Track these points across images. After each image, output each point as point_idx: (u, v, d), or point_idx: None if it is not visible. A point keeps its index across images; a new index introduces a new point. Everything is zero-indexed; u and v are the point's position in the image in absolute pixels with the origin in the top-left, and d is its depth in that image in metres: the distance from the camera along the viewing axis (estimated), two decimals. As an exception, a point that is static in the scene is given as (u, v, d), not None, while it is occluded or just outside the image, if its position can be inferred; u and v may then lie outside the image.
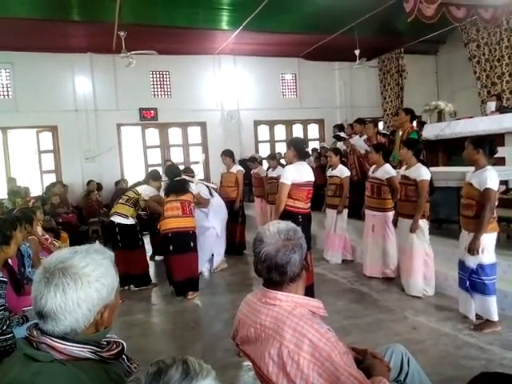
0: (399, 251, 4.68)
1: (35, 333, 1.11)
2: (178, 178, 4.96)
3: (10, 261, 3.16)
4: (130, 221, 5.08)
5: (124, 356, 1.24)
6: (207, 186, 5.87)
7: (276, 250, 1.47)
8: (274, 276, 1.49)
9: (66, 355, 1.08)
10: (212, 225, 5.72)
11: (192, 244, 4.73)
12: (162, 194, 4.86)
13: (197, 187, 5.38)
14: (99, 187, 8.96)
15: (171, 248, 4.63)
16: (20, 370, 1.06)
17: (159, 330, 3.98)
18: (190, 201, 4.79)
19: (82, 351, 1.10)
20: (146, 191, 5.21)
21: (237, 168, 6.62)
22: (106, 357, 1.14)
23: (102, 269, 1.13)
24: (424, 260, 4.31)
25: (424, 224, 4.28)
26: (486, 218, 3.29)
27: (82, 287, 1.08)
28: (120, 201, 5.20)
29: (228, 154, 6.67)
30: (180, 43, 8.96)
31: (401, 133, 6.10)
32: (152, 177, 5.49)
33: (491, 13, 5.82)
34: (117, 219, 5.05)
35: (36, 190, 8.62)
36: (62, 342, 1.09)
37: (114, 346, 1.19)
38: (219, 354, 3.34)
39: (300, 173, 4.01)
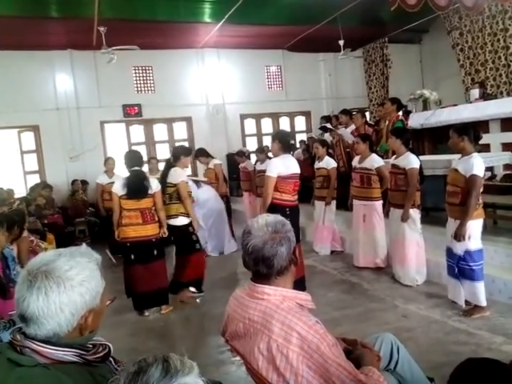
0: (390, 241, 4.71)
1: (19, 337, 1.09)
2: (137, 170, 4.25)
3: (-7, 264, 3.10)
4: None
5: (111, 358, 1.23)
6: (195, 181, 5.82)
7: (263, 243, 1.46)
8: (261, 268, 1.48)
9: (50, 359, 1.07)
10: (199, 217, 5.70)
11: (156, 252, 4.22)
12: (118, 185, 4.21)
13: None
14: (84, 183, 8.81)
15: (132, 257, 4.18)
16: (3, 375, 1.04)
17: (149, 328, 3.94)
18: (151, 207, 4.18)
19: (67, 355, 1.09)
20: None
21: (214, 162, 6.57)
22: (91, 360, 1.13)
23: (86, 272, 1.12)
24: (416, 249, 4.33)
25: (415, 213, 4.28)
26: (472, 205, 3.32)
27: (64, 291, 1.06)
28: None
29: (200, 154, 6.57)
30: (162, 37, 8.81)
31: (387, 122, 6.13)
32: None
33: (473, 0, 5.85)
34: None
35: (20, 192, 8.46)
36: (46, 345, 1.07)
37: (100, 349, 1.18)
38: (211, 350, 3.32)
39: (285, 165, 4.00)
